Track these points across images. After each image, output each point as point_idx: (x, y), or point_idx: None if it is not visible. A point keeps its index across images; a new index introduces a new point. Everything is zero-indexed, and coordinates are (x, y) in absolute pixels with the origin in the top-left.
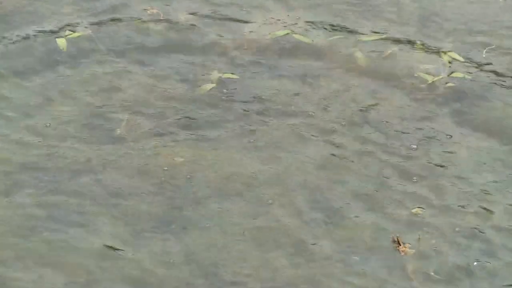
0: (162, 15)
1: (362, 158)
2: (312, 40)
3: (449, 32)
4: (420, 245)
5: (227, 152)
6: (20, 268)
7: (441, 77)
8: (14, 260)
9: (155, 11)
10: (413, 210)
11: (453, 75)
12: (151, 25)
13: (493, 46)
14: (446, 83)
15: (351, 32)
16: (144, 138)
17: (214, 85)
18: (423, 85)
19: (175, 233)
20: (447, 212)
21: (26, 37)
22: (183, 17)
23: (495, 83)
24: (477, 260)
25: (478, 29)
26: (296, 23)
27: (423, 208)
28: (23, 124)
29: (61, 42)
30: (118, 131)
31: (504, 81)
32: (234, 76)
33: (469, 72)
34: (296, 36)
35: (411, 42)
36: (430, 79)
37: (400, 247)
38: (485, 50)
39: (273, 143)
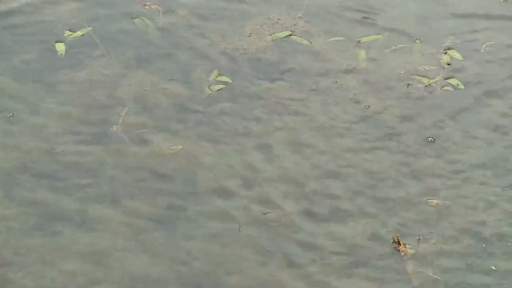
0: (161, 11)
1: (363, 155)
2: (311, 42)
3: (449, 31)
4: (420, 245)
5: (227, 151)
6: (20, 267)
7: (437, 79)
8: (14, 260)
9: (154, 6)
10: (429, 201)
11: (449, 80)
12: (150, 24)
13: (493, 42)
14: (443, 86)
15: (351, 32)
16: (142, 136)
17: (213, 84)
18: (420, 86)
19: (175, 231)
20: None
21: (28, 37)
22: (183, 14)
23: (491, 84)
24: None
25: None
26: (296, 24)
27: (438, 200)
28: (22, 123)
29: (60, 46)
30: (115, 128)
31: (501, 81)
32: (229, 80)
33: (466, 77)
34: (295, 38)
35: (411, 42)
36: (426, 82)
37: (400, 247)
38: (484, 46)
39: (273, 142)
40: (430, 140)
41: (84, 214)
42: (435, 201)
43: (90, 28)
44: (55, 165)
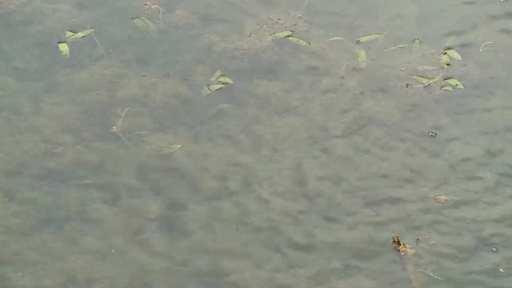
0: (161, 11)
1: (363, 155)
2: (310, 43)
3: (448, 31)
4: (420, 245)
5: (227, 151)
6: (20, 267)
7: (436, 79)
8: (14, 260)
9: (154, 6)
10: (437, 197)
11: (448, 81)
12: (150, 24)
13: (491, 42)
14: (442, 86)
15: (350, 32)
16: (141, 136)
17: (214, 85)
18: (420, 86)
19: (174, 230)
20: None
21: (28, 37)
22: (183, 14)
23: (490, 83)
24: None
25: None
26: (296, 24)
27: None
28: (23, 123)
29: (63, 47)
30: (115, 129)
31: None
32: (230, 81)
33: (466, 75)
34: (293, 39)
35: (410, 42)
36: (425, 82)
37: (400, 247)
38: (482, 45)
39: (273, 142)
40: (431, 134)
41: (84, 214)
42: (443, 197)
43: (92, 30)
44: (55, 165)
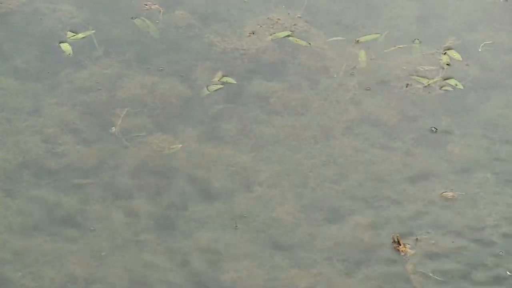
0: (161, 11)
1: (363, 155)
2: (310, 43)
3: (448, 31)
4: (420, 245)
5: (227, 151)
6: (20, 267)
7: (436, 79)
8: (14, 260)
9: (154, 6)
10: (443, 194)
11: (448, 81)
12: (150, 24)
13: (490, 42)
14: (442, 86)
15: (350, 32)
16: (141, 137)
17: (212, 85)
18: (420, 86)
19: (175, 231)
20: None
21: (28, 37)
22: (183, 14)
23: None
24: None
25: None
26: (296, 24)
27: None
28: (23, 123)
29: (66, 47)
30: (114, 129)
31: (500, 82)
32: (233, 81)
33: (467, 75)
34: (293, 40)
35: (410, 42)
36: (425, 82)
37: (400, 247)
38: (482, 45)
39: (273, 142)
40: (432, 130)
41: (84, 214)
42: (450, 194)
43: (93, 31)
44: (55, 165)
